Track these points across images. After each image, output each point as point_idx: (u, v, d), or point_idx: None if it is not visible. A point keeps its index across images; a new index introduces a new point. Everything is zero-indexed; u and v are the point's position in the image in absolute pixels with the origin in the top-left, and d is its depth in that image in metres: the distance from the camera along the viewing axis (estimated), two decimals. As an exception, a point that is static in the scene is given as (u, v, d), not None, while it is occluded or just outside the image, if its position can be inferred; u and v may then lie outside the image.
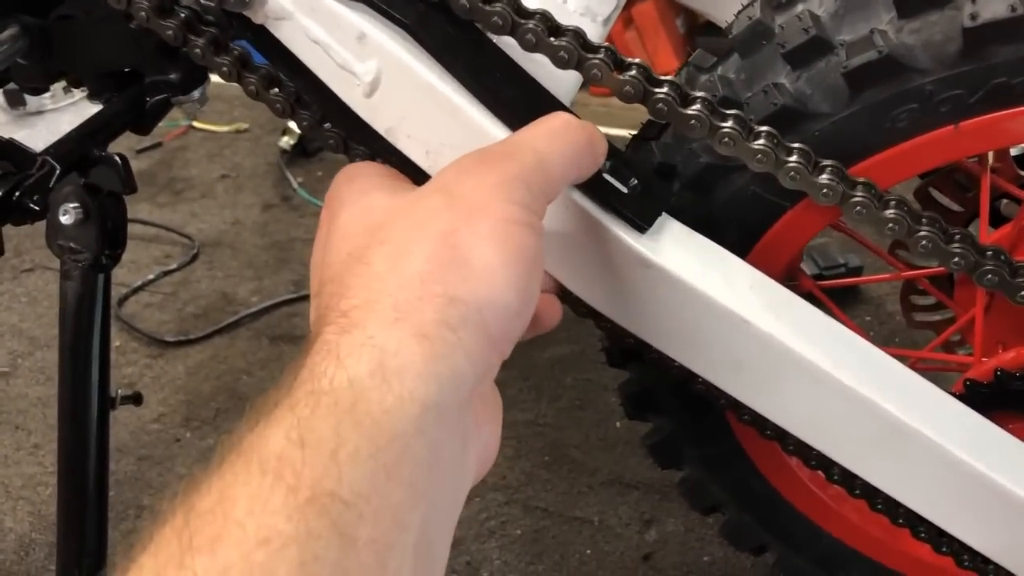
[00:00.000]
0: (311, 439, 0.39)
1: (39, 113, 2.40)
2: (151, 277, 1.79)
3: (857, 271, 1.69)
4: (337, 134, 0.79)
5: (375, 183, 0.56)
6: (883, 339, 1.59)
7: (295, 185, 2.04)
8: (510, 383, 1.54)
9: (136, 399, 0.94)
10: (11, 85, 2.23)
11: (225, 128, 2.25)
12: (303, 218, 1.97)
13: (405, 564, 0.39)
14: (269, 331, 1.68)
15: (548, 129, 0.56)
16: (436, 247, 0.46)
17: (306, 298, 1.74)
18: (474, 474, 0.49)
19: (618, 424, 1.45)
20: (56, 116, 2.43)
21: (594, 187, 0.67)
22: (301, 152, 2.12)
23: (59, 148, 0.81)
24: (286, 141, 2.12)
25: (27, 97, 2.00)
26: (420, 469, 0.41)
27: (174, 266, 1.83)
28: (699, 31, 2.28)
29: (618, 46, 0.74)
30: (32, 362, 1.63)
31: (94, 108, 2.55)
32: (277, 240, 1.91)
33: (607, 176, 0.67)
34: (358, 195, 0.54)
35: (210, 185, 2.09)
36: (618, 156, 0.69)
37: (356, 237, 0.50)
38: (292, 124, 2.12)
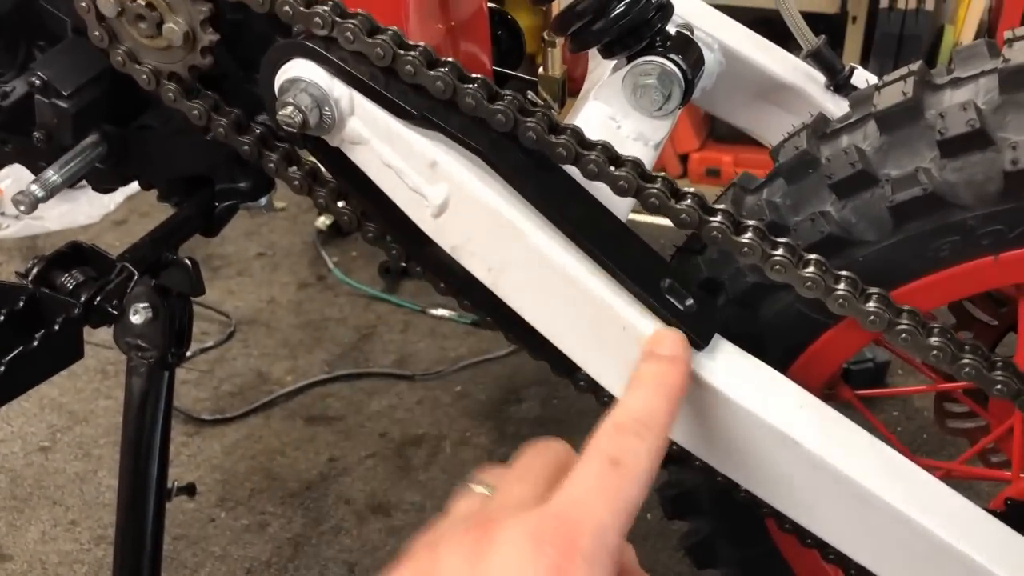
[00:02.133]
0: None
1: (82, 188, 2.48)
2: (188, 354, 1.82)
3: (884, 365, 1.71)
4: (400, 248, 0.83)
5: None
6: (910, 435, 1.60)
7: (330, 265, 2.09)
8: (541, 470, 1.55)
9: (190, 491, 0.96)
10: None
11: (262, 206, 2.31)
12: (337, 298, 2.01)
13: None
14: (303, 411, 1.71)
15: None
16: None
17: (339, 379, 1.77)
18: None
19: (649, 516, 1.46)
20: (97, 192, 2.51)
21: (654, 306, 0.70)
22: (337, 232, 2.17)
23: (135, 253, 0.85)
24: (322, 221, 2.17)
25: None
26: None
27: (211, 343, 1.87)
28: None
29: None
30: (71, 437, 1.66)
31: (134, 184, 2.61)
32: (312, 319, 1.94)
33: (667, 296, 0.70)
34: None
35: (247, 263, 2.13)
36: (675, 276, 0.72)
37: None
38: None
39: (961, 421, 1.09)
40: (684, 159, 2.55)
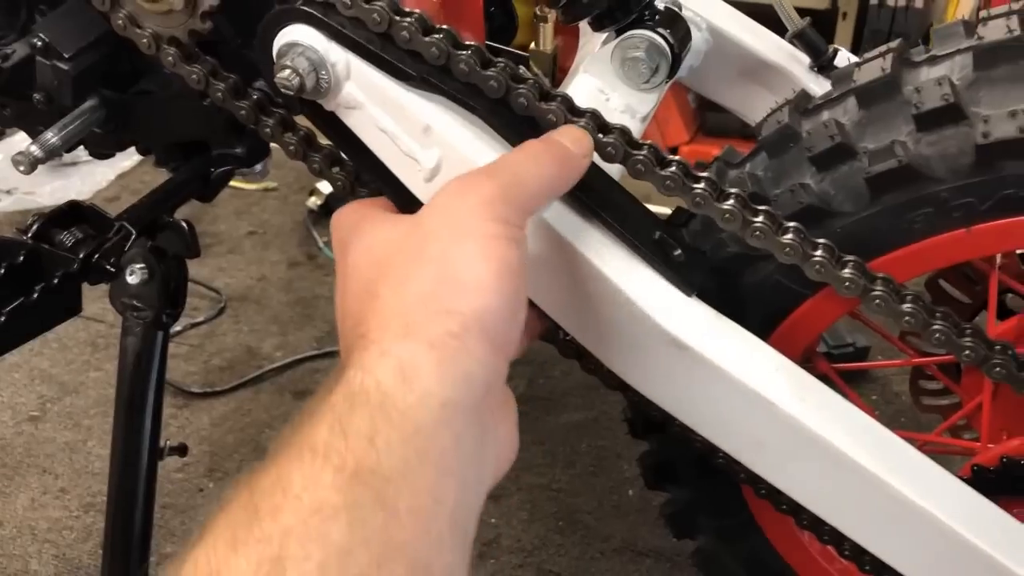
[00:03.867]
0: (351, 430, 0.46)
1: (74, 164, 2.49)
2: (179, 328, 1.84)
3: (865, 350, 1.74)
4: (393, 211, 0.85)
5: (372, 220, 0.63)
6: (889, 418, 1.63)
7: (321, 244, 2.11)
8: (525, 447, 1.56)
9: (182, 450, 0.98)
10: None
11: (254, 186, 2.32)
12: (328, 276, 2.03)
13: (444, 531, 0.46)
14: (292, 386, 1.73)
15: (527, 152, 0.64)
16: (431, 270, 0.53)
17: (329, 355, 1.79)
18: (494, 467, 0.55)
19: (631, 492, 1.49)
20: (90, 168, 2.52)
21: (646, 254, 0.73)
22: (327, 212, 2.18)
23: (132, 213, 0.87)
24: (313, 201, 2.19)
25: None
26: (448, 454, 0.48)
27: (201, 319, 1.89)
28: (709, 105, 2.37)
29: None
30: (61, 407, 1.68)
31: (126, 160, 2.61)
32: (302, 297, 1.96)
33: (660, 247, 0.73)
34: (360, 235, 0.61)
35: (238, 241, 2.15)
36: (665, 229, 0.75)
37: (364, 273, 0.57)
38: (320, 185, 2.19)
39: (935, 398, 1.12)
40: (674, 152, 2.58)
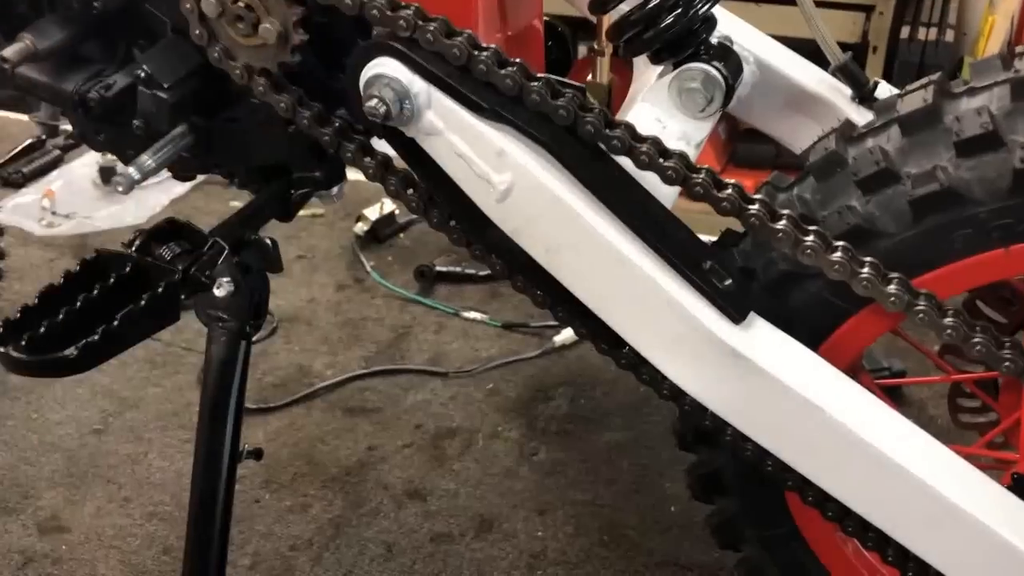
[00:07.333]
0: None
1: (130, 190, 2.58)
2: (233, 347, 1.91)
3: (900, 374, 1.78)
4: (462, 230, 0.91)
5: None
6: (925, 441, 1.67)
7: (368, 268, 2.18)
8: (569, 464, 1.63)
9: (258, 454, 1.05)
10: (104, 162, 2.40)
11: (302, 212, 2.40)
12: (375, 299, 2.09)
13: None
14: (342, 403, 1.79)
15: None
16: None
17: (377, 374, 1.86)
18: None
19: (673, 508, 1.53)
20: (144, 194, 2.61)
21: (698, 283, 0.79)
22: (373, 238, 2.26)
23: (222, 230, 0.94)
24: (360, 227, 2.26)
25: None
26: None
27: (254, 339, 1.95)
28: (739, 137, 2.43)
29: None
30: (122, 421, 1.75)
31: (179, 187, 2.69)
32: (350, 318, 2.03)
33: (708, 275, 0.79)
34: None
35: (288, 265, 2.21)
36: (715, 257, 0.81)
37: None
38: (366, 211, 2.27)
39: (973, 416, 1.16)
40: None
